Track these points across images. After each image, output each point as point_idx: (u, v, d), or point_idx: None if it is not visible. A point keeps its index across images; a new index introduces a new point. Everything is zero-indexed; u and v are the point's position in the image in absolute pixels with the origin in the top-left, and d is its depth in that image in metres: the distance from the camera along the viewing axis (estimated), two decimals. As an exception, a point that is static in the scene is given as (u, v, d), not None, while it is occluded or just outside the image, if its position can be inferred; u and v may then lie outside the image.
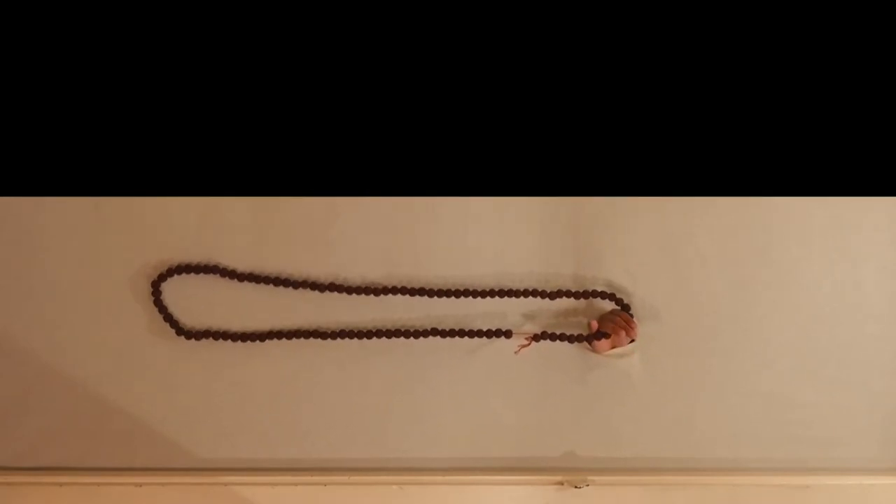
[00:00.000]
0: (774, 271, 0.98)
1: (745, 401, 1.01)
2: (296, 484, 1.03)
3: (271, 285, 0.95)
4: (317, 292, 0.96)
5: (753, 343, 1.00)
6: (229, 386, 0.99)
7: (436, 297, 0.96)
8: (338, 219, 0.95)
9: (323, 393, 1.00)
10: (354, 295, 0.95)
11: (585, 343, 0.96)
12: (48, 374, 0.98)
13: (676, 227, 0.96)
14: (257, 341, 0.96)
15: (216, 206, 0.94)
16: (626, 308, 0.97)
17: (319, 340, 0.96)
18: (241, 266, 0.96)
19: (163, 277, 0.95)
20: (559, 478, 1.03)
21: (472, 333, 0.96)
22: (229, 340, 0.96)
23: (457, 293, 0.96)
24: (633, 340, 0.97)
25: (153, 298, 0.96)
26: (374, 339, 0.96)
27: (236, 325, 0.98)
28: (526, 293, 0.96)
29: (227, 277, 0.95)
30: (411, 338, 0.96)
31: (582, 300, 0.97)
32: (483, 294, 0.95)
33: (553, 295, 0.96)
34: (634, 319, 0.96)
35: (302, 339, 0.96)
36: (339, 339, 0.97)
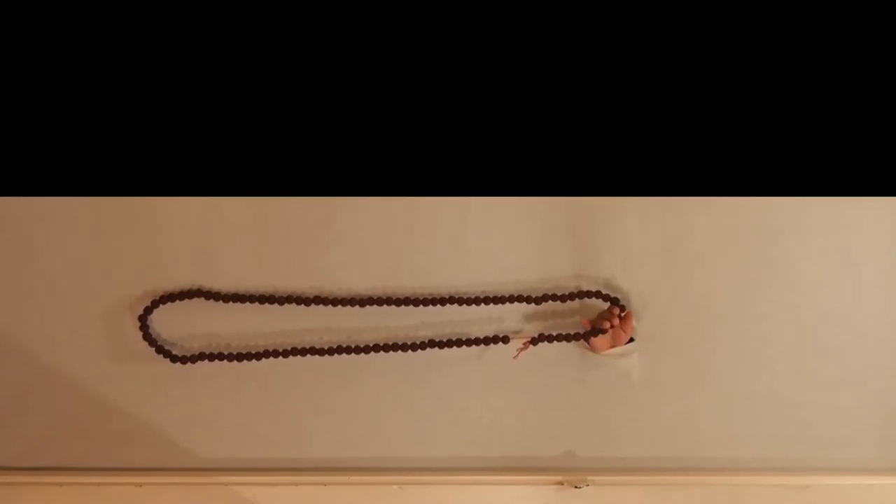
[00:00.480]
0: (774, 271, 0.97)
1: (744, 401, 1.01)
2: (296, 484, 1.03)
3: (266, 304, 0.95)
4: (321, 306, 0.95)
5: (753, 343, 0.99)
6: (229, 386, 0.99)
7: (431, 306, 0.95)
8: (335, 222, 0.94)
9: (323, 394, 1.00)
10: (358, 307, 0.95)
11: (584, 342, 0.96)
12: (48, 374, 0.98)
13: (676, 227, 0.96)
14: (253, 360, 0.96)
15: (216, 207, 0.94)
16: (622, 308, 0.96)
17: (318, 357, 0.96)
18: (241, 275, 0.95)
19: (152, 308, 0.95)
20: (559, 478, 1.03)
21: (469, 342, 0.96)
22: (224, 360, 0.96)
23: (458, 300, 0.95)
24: (632, 339, 0.97)
25: (142, 333, 0.95)
26: (372, 353, 0.96)
27: (234, 343, 0.97)
28: (522, 298, 0.95)
29: (230, 302, 0.95)
30: (409, 351, 0.96)
31: (581, 300, 0.97)
32: (479, 301, 0.95)
33: (552, 297, 0.96)
34: (629, 310, 0.96)
35: (299, 357, 0.96)
36: (336, 356, 0.96)
